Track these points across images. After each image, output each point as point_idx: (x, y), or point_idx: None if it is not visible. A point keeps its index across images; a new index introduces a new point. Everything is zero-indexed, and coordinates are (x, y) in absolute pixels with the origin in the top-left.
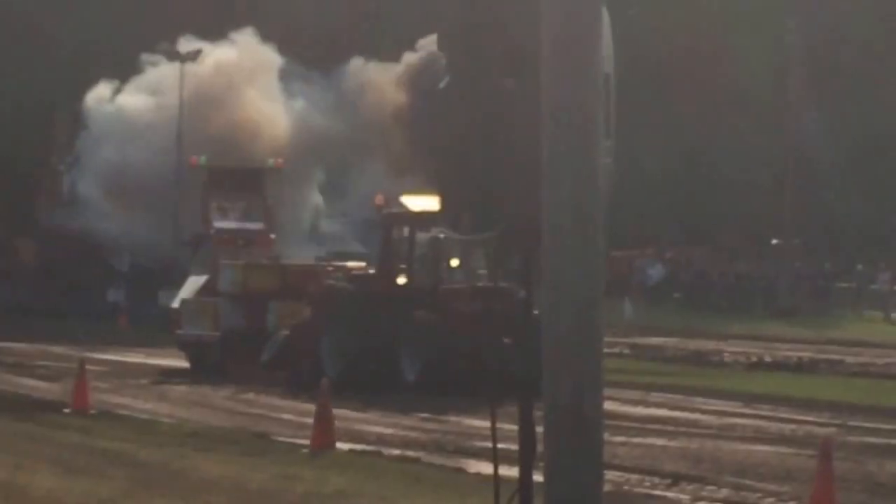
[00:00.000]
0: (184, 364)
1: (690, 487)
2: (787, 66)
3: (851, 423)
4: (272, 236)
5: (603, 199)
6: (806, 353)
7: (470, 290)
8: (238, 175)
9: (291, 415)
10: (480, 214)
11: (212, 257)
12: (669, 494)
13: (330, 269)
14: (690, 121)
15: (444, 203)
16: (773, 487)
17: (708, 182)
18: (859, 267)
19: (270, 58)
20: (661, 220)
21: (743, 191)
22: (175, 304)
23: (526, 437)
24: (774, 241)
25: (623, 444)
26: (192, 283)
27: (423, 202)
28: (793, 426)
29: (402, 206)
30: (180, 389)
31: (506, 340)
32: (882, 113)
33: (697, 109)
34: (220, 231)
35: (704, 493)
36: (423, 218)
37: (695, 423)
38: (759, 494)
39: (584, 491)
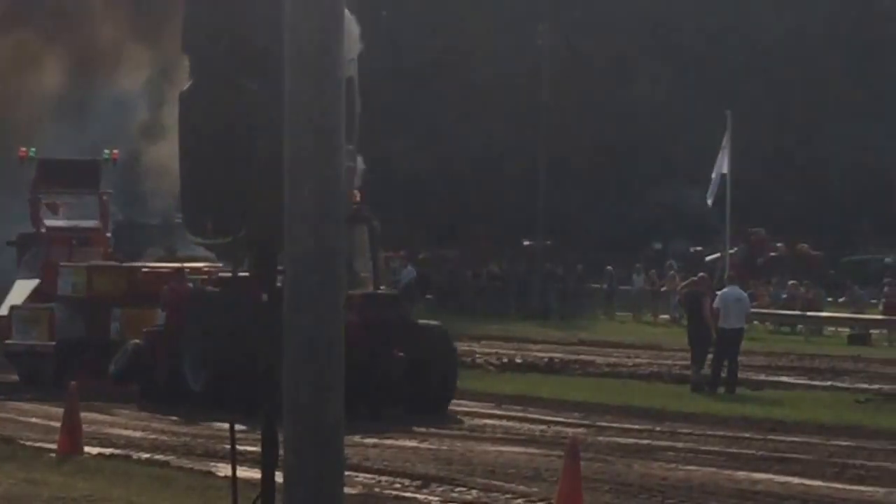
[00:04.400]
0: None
1: (441, 489)
2: (538, 68)
3: (601, 423)
4: (108, 235)
5: (344, 203)
6: (557, 354)
7: (359, 297)
8: (70, 168)
9: (39, 419)
10: (223, 218)
11: (43, 259)
12: (419, 496)
13: (187, 270)
14: (445, 122)
15: (187, 206)
16: (522, 488)
17: (461, 183)
18: (609, 268)
19: None
20: (414, 220)
21: (496, 191)
22: (2, 312)
23: (268, 440)
24: (526, 242)
25: (374, 445)
26: (21, 288)
27: None
28: (543, 427)
29: None
30: None
31: (399, 353)
32: (630, 114)
33: (453, 110)
34: (52, 230)
35: (454, 495)
36: None
37: (446, 425)
38: (508, 495)
39: (325, 494)
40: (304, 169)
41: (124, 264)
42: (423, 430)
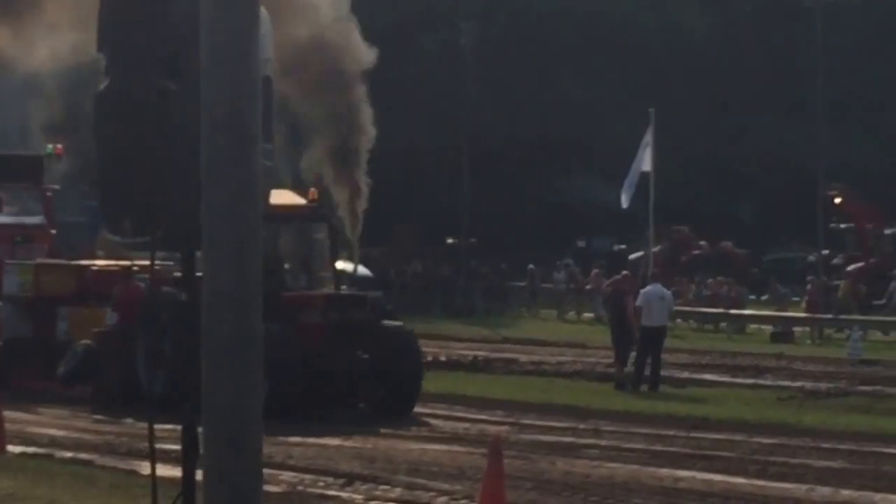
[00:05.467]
0: None
1: (364, 487)
2: (462, 67)
3: (524, 421)
4: (53, 231)
5: (262, 202)
6: (481, 352)
7: (321, 298)
8: (12, 163)
9: None
10: (141, 217)
11: None
12: (343, 494)
13: (136, 269)
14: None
15: (105, 206)
16: (445, 486)
17: (385, 180)
18: (531, 266)
19: None
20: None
21: (420, 190)
22: None
23: (188, 439)
24: (450, 241)
25: (298, 444)
26: None
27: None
28: (466, 425)
29: None
30: None
31: (363, 355)
32: (554, 111)
33: (375, 108)
34: None
35: (378, 493)
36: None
37: (370, 423)
38: (431, 493)
39: (243, 492)
40: (220, 169)
41: (72, 262)
42: (347, 427)
